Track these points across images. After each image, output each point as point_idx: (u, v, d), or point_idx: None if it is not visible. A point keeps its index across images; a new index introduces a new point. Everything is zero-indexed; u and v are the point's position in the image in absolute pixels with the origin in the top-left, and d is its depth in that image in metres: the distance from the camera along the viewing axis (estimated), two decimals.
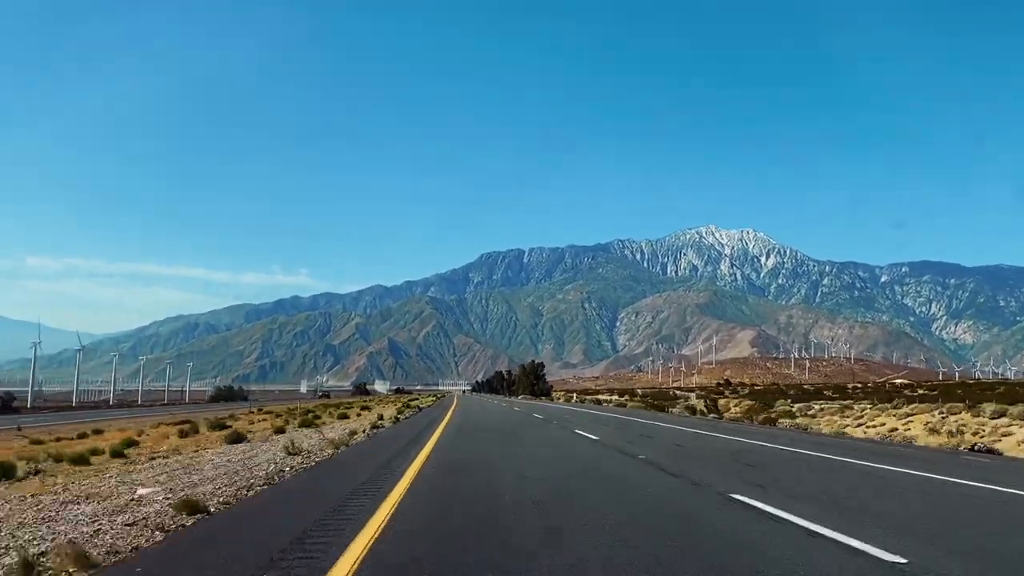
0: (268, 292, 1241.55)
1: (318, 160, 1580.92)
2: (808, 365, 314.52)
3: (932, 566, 5.47)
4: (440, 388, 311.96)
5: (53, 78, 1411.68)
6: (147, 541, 6.47)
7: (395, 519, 7.24)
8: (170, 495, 8.91)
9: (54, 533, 6.76)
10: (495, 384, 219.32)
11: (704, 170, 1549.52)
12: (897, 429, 25.71)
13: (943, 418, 27.62)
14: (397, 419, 31.06)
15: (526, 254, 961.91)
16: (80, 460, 14.18)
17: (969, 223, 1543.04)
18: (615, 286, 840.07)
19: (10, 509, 8.30)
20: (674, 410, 41.49)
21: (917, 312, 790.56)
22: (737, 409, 39.03)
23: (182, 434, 21.66)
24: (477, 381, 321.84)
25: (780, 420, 30.74)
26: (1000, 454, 16.88)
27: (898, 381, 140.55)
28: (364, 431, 21.78)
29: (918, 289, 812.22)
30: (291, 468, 11.88)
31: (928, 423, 26.21)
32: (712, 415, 36.15)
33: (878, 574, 5.30)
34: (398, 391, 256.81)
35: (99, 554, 5.90)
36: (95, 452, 15.76)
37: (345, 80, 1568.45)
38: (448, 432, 21.95)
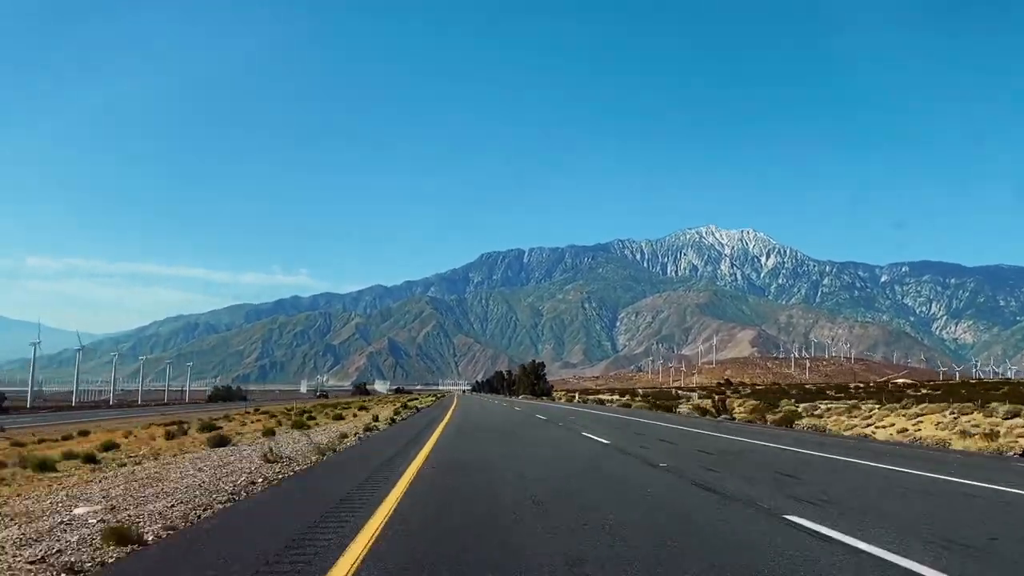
0: (268, 292, 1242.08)
1: (318, 160, 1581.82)
2: (808, 365, 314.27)
3: None
4: (440, 388, 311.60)
5: (53, 78, 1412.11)
6: None
7: (372, 558, 5.70)
8: (109, 515, 7.55)
9: None
10: (495, 384, 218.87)
11: (704, 170, 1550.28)
12: (908, 430, 24.83)
13: (954, 418, 27.16)
14: (393, 421, 29.66)
15: (526, 254, 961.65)
16: (45, 466, 13.11)
17: (969, 223, 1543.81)
18: (615, 286, 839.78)
19: None
20: (681, 410, 40.30)
21: (917, 312, 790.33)
22: (741, 409, 38.55)
23: (169, 436, 20.71)
24: (477, 381, 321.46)
25: (796, 421, 29.53)
26: None
27: (900, 381, 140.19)
28: (356, 434, 20.48)
29: (918, 289, 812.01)
30: (264, 480, 10.47)
31: (940, 423, 25.84)
32: (723, 416, 35.25)
33: None
34: (398, 391, 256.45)
35: None
36: (70, 456, 15.01)
37: (345, 80, 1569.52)
38: (446, 436, 20.25)
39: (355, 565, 5.45)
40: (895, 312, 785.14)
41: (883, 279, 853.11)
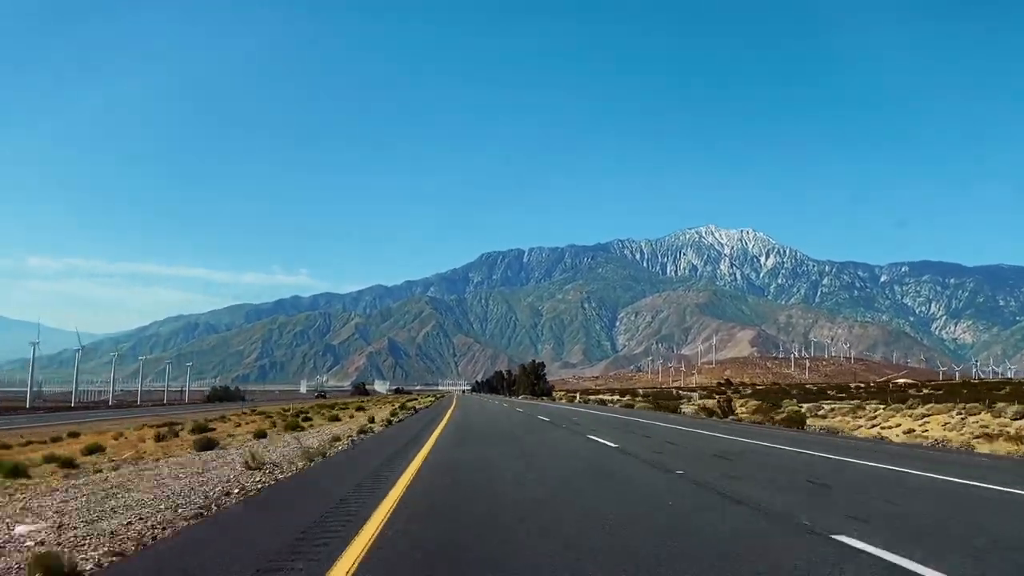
0: (268, 292, 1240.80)
1: (318, 160, 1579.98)
2: (808, 365, 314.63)
3: None
4: (440, 388, 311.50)
5: (53, 78, 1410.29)
6: None
7: None
8: (52, 536, 6.62)
9: None
10: (495, 384, 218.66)
11: (704, 170, 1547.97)
12: (915, 430, 24.92)
13: (962, 419, 27.03)
14: (389, 422, 28.43)
15: (526, 254, 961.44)
16: (17, 472, 12.30)
17: (969, 223, 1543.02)
18: (615, 286, 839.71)
19: None
20: (686, 411, 39.49)
21: (917, 312, 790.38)
22: (743, 409, 38.34)
23: (158, 438, 20.00)
24: (477, 381, 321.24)
25: (806, 423, 28.58)
26: None
27: (901, 381, 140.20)
28: (349, 437, 19.34)
29: (918, 289, 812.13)
30: (240, 490, 9.44)
31: (947, 424, 25.88)
32: (731, 417, 34.66)
33: None
34: (398, 391, 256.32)
35: None
36: (51, 459, 14.21)
37: (345, 80, 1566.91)
38: (442, 441, 18.73)
39: None
40: (895, 312, 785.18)
41: (883, 279, 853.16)
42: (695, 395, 75.39)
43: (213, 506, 8.34)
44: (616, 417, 34.79)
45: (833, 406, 39.25)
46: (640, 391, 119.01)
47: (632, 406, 55.32)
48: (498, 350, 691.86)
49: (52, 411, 71.32)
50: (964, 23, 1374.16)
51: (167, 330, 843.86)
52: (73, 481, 11.40)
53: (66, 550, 5.92)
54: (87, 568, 5.53)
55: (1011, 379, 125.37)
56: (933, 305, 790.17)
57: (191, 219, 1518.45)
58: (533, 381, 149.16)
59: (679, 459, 13.94)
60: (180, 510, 7.98)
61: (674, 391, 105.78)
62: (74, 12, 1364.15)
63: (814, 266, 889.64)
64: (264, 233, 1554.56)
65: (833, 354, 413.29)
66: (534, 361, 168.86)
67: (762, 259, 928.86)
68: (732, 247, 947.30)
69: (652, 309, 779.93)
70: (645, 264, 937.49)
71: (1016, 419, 25.03)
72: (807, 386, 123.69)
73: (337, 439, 18.37)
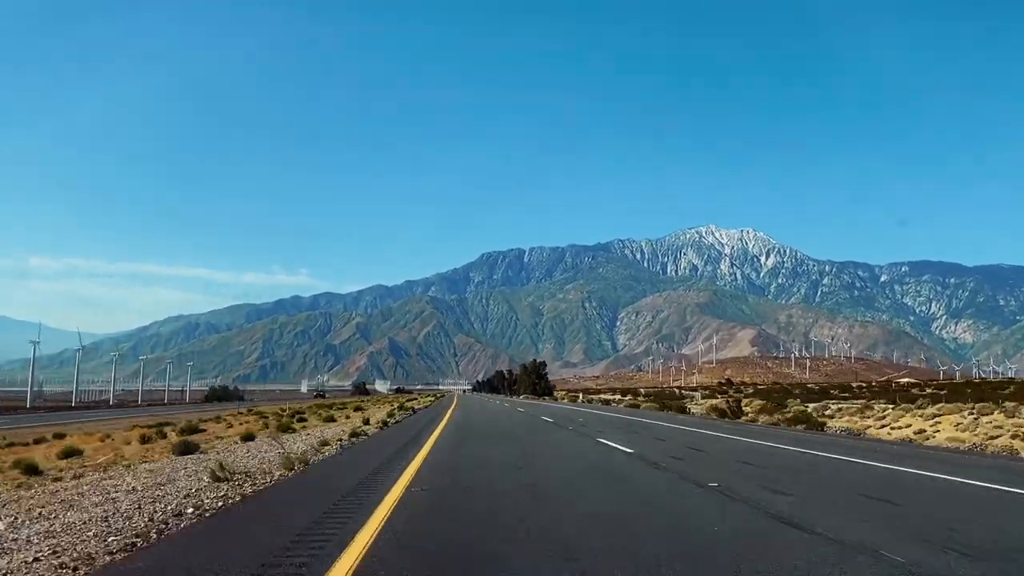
0: (269, 292, 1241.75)
1: (318, 160, 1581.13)
2: (808, 364, 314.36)
3: None
4: (440, 388, 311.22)
5: (53, 78, 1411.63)
6: None
7: None
8: None
9: None
10: (496, 384, 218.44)
11: (704, 170, 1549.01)
12: (925, 431, 23.32)
13: (974, 419, 25.26)
14: (385, 423, 26.96)
15: (526, 254, 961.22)
16: None
17: (969, 222, 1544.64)
18: (615, 286, 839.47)
19: None
20: (694, 411, 38.74)
21: (917, 311, 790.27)
22: (747, 409, 38.17)
23: (143, 440, 19.13)
24: (478, 381, 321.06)
25: (825, 425, 27.04)
26: None
27: (903, 380, 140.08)
28: (339, 441, 17.95)
29: (918, 288, 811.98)
30: (195, 510, 8.02)
31: (959, 424, 24.31)
32: (744, 418, 34.01)
33: None
34: (398, 391, 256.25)
35: None
36: (18, 464, 13.07)
37: (345, 80, 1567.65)
38: (440, 445, 17.24)
39: None
40: (895, 312, 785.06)
41: (883, 279, 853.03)
42: (697, 395, 75.15)
43: (153, 533, 6.79)
44: (622, 418, 33.82)
45: (840, 406, 38.82)
46: (641, 391, 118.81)
47: (637, 406, 54.25)
48: (499, 350, 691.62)
49: (52, 411, 71.37)
50: (964, 23, 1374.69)
51: (168, 330, 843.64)
52: (22, 492, 10.25)
53: None
54: None
55: (1013, 379, 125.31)
56: (933, 305, 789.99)
57: (191, 219, 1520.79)
58: (534, 381, 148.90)
59: (706, 467, 12.33)
60: (111, 539, 6.44)
61: (676, 391, 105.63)
62: (74, 12, 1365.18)
63: (814, 266, 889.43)
64: (264, 233, 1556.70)
65: (833, 354, 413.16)
66: (535, 360, 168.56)
67: (762, 259, 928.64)
68: (732, 247, 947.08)
69: (652, 309, 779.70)
70: (645, 264, 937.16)
71: None
72: (808, 386, 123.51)
73: (325, 443, 16.90)
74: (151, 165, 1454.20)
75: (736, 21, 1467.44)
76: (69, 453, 15.77)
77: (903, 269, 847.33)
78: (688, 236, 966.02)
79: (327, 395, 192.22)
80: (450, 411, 42.96)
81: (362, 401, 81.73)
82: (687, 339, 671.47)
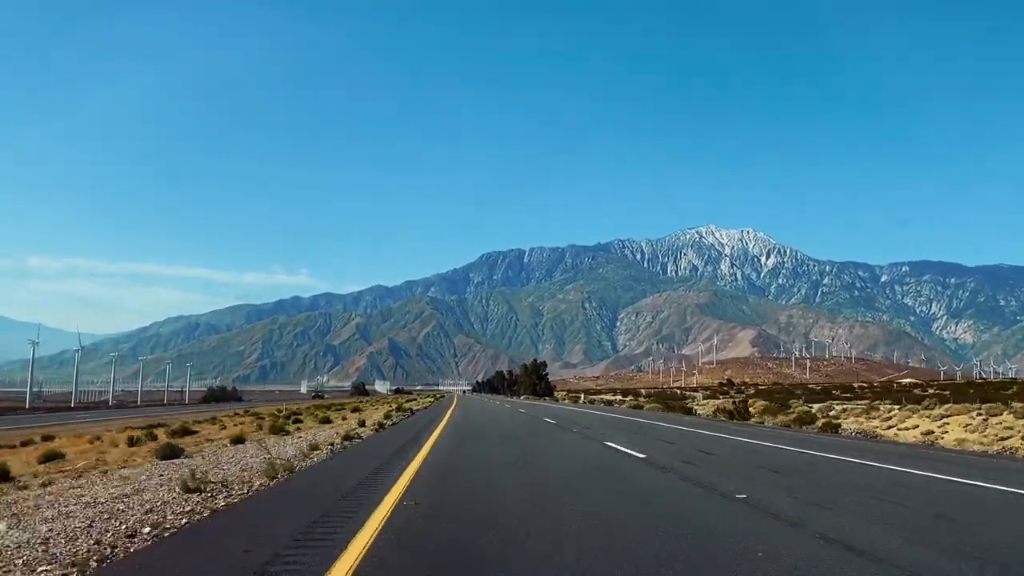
0: (269, 292, 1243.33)
1: (318, 160, 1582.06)
2: (809, 365, 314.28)
3: None
4: (440, 388, 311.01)
5: (53, 78, 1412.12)
6: None
7: None
8: None
9: None
10: (496, 384, 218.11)
11: (704, 170, 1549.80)
12: (933, 432, 22.83)
13: (984, 420, 24.04)
14: (381, 426, 25.96)
15: (526, 254, 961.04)
16: None
17: (969, 222, 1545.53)
18: (615, 286, 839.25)
19: None
20: (700, 412, 38.60)
21: (917, 312, 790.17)
22: (751, 410, 37.91)
23: (131, 442, 18.57)
24: (478, 381, 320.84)
25: (840, 427, 26.01)
26: None
27: (905, 381, 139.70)
28: (331, 445, 16.95)
29: (918, 289, 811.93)
30: (152, 528, 7.04)
31: (968, 425, 23.28)
32: (755, 419, 33.16)
33: None
34: (398, 391, 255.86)
35: None
36: None
37: (345, 80, 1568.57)
38: (438, 448, 16.24)
39: None
40: (895, 312, 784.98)
41: (883, 279, 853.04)
42: (698, 395, 74.80)
43: (93, 561, 5.80)
44: (627, 419, 33.11)
45: (844, 406, 38.52)
46: (642, 391, 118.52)
47: (640, 407, 53.14)
48: (499, 350, 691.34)
49: (51, 411, 71.33)
50: (964, 23, 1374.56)
51: (167, 330, 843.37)
52: None
53: None
54: None
55: (1016, 379, 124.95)
56: (934, 305, 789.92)
57: (191, 219, 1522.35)
58: (535, 381, 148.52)
59: (728, 476, 11.10)
60: (40, 570, 5.57)
61: (677, 391, 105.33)
62: (74, 12, 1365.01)
63: (814, 266, 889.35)
64: (264, 233, 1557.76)
65: (834, 354, 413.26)
66: (535, 361, 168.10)
67: (762, 259, 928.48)
68: (732, 247, 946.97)
69: (653, 309, 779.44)
70: (646, 264, 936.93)
71: None
72: (809, 386, 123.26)
73: (316, 448, 16.00)
74: (151, 165, 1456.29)
75: (736, 21, 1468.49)
76: (50, 457, 15.25)
77: (903, 269, 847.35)
78: (688, 236, 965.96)
79: (326, 396, 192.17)
80: (449, 412, 42.28)
81: (360, 402, 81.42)
82: (687, 339, 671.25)
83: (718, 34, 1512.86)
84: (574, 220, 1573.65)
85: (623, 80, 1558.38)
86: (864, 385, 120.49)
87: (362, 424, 25.66)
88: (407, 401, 76.23)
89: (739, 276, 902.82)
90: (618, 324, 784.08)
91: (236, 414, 43.24)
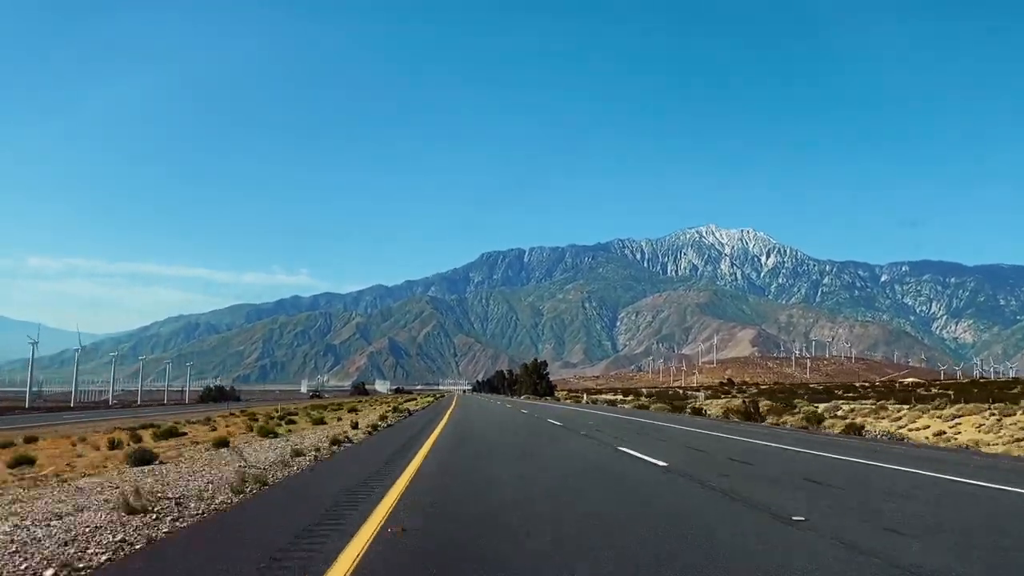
0: (269, 292, 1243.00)
1: (318, 160, 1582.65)
2: (809, 364, 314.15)
3: None
4: (440, 388, 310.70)
5: (53, 78, 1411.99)
6: None
7: None
8: None
9: None
10: (496, 384, 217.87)
11: (704, 170, 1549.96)
12: (945, 432, 23.76)
13: (997, 420, 25.02)
14: (375, 428, 24.69)
15: (526, 254, 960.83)
16: None
17: (969, 222, 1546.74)
18: (615, 286, 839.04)
19: None
20: (711, 413, 37.78)
21: (917, 311, 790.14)
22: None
23: (112, 445, 17.87)
24: (478, 381, 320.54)
25: (864, 429, 25.06)
26: None
27: (907, 380, 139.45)
28: (316, 450, 15.47)
29: (918, 288, 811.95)
30: (65, 566, 5.61)
31: (981, 425, 24.43)
32: (769, 420, 32.12)
33: None
34: (398, 391, 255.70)
35: None
36: None
37: (345, 80, 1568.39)
38: (435, 455, 14.65)
39: None
40: (895, 311, 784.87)
41: (883, 278, 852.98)
42: (700, 395, 74.61)
43: None
44: (635, 420, 31.90)
45: (851, 406, 38.19)
46: (643, 391, 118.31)
47: (646, 407, 51.73)
48: (499, 350, 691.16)
49: (50, 411, 71.18)
50: (964, 23, 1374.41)
51: (168, 330, 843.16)
52: None
53: None
54: None
55: (1018, 378, 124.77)
56: (934, 304, 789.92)
57: (191, 219, 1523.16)
58: (535, 381, 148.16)
59: (773, 490, 9.46)
60: None
61: (683, 391, 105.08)
62: (74, 12, 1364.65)
63: (815, 266, 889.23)
64: (264, 233, 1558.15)
65: (834, 354, 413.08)
66: (536, 360, 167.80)
67: (763, 259, 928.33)
68: (732, 247, 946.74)
69: (653, 309, 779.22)
70: (646, 264, 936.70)
71: None
72: (811, 385, 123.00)
73: (300, 453, 14.47)
74: (151, 165, 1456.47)
75: (736, 21, 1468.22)
76: (21, 461, 14.41)
77: (903, 269, 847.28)
78: (688, 236, 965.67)
79: (326, 395, 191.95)
80: (448, 413, 41.39)
81: (359, 402, 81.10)
82: (687, 339, 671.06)
83: (718, 34, 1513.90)
84: (574, 220, 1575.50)
85: (623, 80, 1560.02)
86: (866, 385, 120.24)
87: (355, 426, 24.58)
88: (406, 401, 75.70)
89: (739, 276, 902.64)
90: (618, 324, 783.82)
91: (231, 414, 42.76)
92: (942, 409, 30.56)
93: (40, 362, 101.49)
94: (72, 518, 7.56)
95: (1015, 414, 25.31)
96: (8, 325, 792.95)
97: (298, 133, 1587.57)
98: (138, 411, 68.66)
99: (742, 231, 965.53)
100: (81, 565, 5.66)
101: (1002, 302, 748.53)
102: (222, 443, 17.05)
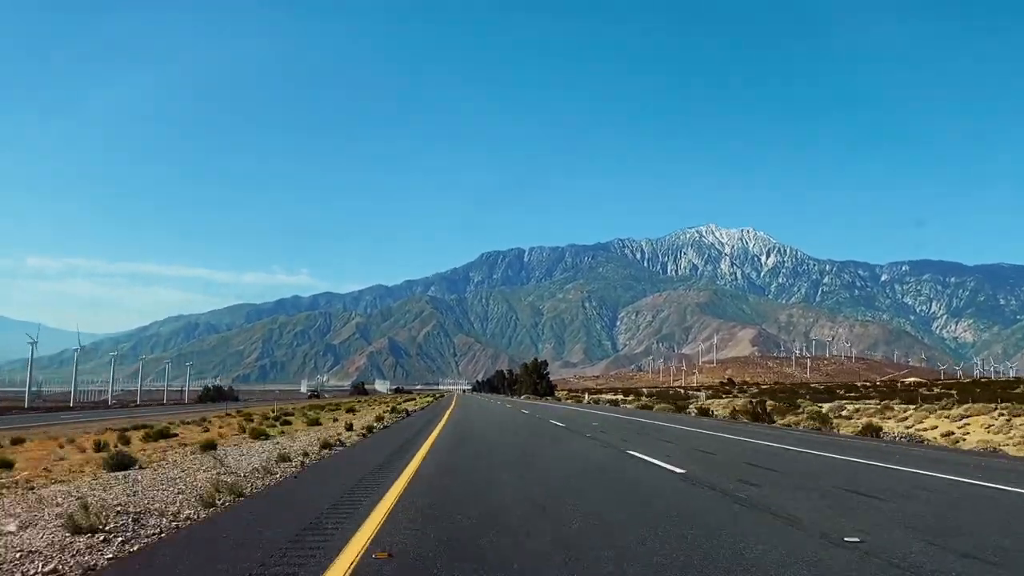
0: (269, 292, 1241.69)
1: (318, 160, 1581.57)
2: (809, 364, 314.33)
3: None
4: (440, 388, 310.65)
5: (54, 78, 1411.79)
6: None
7: None
8: None
9: None
10: (496, 383, 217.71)
11: (704, 170, 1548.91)
12: (954, 433, 23.33)
13: (1007, 421, 24.53)
14: (370, 429, 23.62)
15: (526, 253, 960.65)
16: None
17: (969, 222, 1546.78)
18: (615, 285, 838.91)
19: None
20: (717, 413, 37.28)
21: (917, 311, 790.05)
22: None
23: (98, 447, 17.34)
24: (478, 381, 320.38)
25: (881, 430, 24.29)
26: None
27: (909, 380, 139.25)
28: (304, 455, 14.33)
29: (918, 288, 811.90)
30: None
31: (990, 426, 24.00)
32: (780, 421, 30.32)
33: None
34: (398, 391, 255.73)
35: None
36: None
37: (344, 80, 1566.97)
38: (433, 457, 13.99)
39: None
40: (895, 311, 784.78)
41: (883, 278, 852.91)
42: (702, 394, 74.40)
43: None
44: (641, 422, 31.15)
45: (856, 406, 37.87)
46: (643, 391, 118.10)
47: (650, 407, 51.25)
48: (499, 350, 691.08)
49: (49, 411, 71.04)
50: (964, 23, 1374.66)
51: (167, 330, 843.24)
52: None
53: None
54: None
55: (1020, 378, 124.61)
56: (934, 304, 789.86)
57: (191, 219, 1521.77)
58: (536, 380, 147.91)
59: (811, 504, 8.31)
60: None
61: (681, 391, 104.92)
62: (72, 12, 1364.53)
63: (815, 265, 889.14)
64: (264, 233, 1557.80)
65: (834, 353, 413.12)
66: (536, 360, 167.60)
67: (763, 258, 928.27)
68: (732, 246, 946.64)
69: (653, 308, 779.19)
70: (646, 263, 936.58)
71: None
72: (812, 385, 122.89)
73: (285, 458, 13.34)
74: (151, 165, 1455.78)
75: (736, 21, 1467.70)
76: None
77: (903, 268, 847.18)
78: (688, 236, 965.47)
79: (326, 395, 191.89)
80: (448, 413, 40.74)
81: (358, 402, 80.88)
82: (687, 339, 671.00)
83: (718, 34, 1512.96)
84: (574, 220, 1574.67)
85: (623, 80, 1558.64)
86: (867, 384, 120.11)
87: (349, 428, 23.63)
88: (405, 401, 75.34)
89: (739, 275, 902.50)
90: (618, 323, 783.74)
91: (227, 414, 42.43)
92: (949, 409, 30.19)
93: (40, 362, 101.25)
94: (12, 538, 6.50)
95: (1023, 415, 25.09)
96: (8, 325, 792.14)
97: (298, 133, 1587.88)
98: (136, 411, 68.47)
99: (742, 231, 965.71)
100: None
101: (1002, 302, 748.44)
102: (210, 446, 16.53)
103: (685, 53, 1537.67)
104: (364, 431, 22.98)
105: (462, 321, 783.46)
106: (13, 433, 24.67)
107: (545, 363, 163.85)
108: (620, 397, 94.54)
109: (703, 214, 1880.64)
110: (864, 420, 27.50)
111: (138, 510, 7.73)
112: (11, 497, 9.26)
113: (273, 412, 41.29)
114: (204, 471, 11.56)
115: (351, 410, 45.23)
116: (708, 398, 62.85)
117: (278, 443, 18.23)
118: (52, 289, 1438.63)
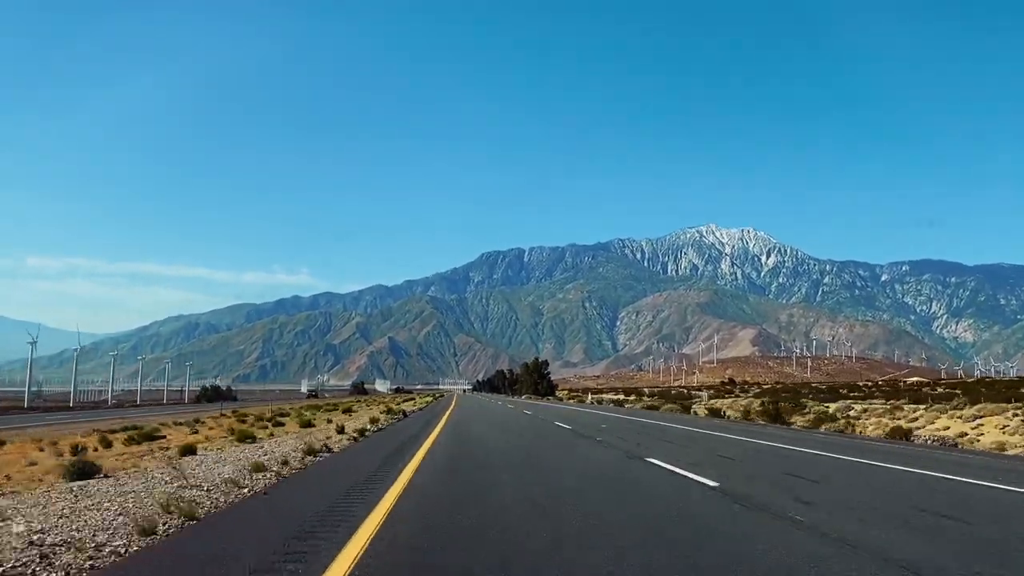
0: (269, 292, 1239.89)
1: (319, 159, 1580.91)
2: (810, 364, 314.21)
3: None
4: (440, 387, 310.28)
5: (54, 78, 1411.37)
6: None
7: None
8: None
9: None
10: (496, 383, 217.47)
11: (704, 170, 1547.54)
12: (967, 433, 22.46)
13: (1022, 421, 23.20)
14: (363, 432, 22.57)
15: (526, 253, 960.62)
16: None
17: (970, 222, 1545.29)
18: (615, 285, 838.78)
19: None
20: (729, 414, 36.65)
21: (918, 311, 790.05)
22: (760, 409, 37.07)
23: (75, 451, 16.81)
24: (478, 380, 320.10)
25: (911, 433, 23.29)
26: None
27: (911, 380, 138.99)
28: (284, 464, 12.79)
29: (919, 288, 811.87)
30: None
31: (1005, 427, 22.86)
32: (800, 423, 30.40)
33: None
34: (398, 390, 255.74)
35: None
36: None
37: (344, 80, 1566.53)
38: (429, 464, 12.84)
39: None
40: (896, 311, 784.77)
41: (883, 278, 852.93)
42: (703, 395, 74.12)
43: None
44: (650, 423, 30.19)
45: (864, 407, 37.53)
46: (645, 391, 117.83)
47: (656, 408, 50.18)
48: (499, 349, 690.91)
49: (48, 411, 70.74)
50: (965, 23, 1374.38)
51: (167, 330, 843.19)
52: None
53: None
54: None
55: (1022, 377, 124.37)
56: (934, 304, 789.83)
57: (191, 219, 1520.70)
58: (536, 380, 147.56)
59: (884, 530, 6.64)
60: None
61: (684, 391, 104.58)
62: (72, 13, 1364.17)
63: (815, 265, 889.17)
64: (264, 233, 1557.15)
65: (835, 353, 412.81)
66: (537, 359, 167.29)
67: (763, 258, 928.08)
68: (733, 246, 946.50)
69: (653, 308, 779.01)
70: (646, 263, 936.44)
71: None
72: (813, 385, 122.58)
73: (261, 468, 11.86)
74: (151, 165, 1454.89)
75: (736, 21, 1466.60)
76: None
77: (904, 268, 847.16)
78: (688, 235, 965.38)
79: (326, 395, 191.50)
80: (447, 414, 39.93)
81: (356, 402, 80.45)
82: (688, 339, 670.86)
83: (718, 34, 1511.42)
84: (574, 220, 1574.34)
85: (623, 80, 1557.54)
86: (869, 384, 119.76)
87: (341, 430, 22.49)
88: (404, 401, 74.84)
89: (739, 275, 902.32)
90: (618, 323, 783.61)
91: (222, 415, 42.06)
92: (960, 410, 29.83)
93: (40, 362, 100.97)
94: None
95: None
96: (8, 325, 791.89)
97: (298, 133, 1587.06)
98: (134, 411, 68.23)
99: (742, 231, 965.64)
100: None
101: (1002, 301, 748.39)
102: (189, 451, 15.63)
103: (685, 53, 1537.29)
104: (356, 434, 21.99)
105: (462, 321, 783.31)
106: (1, 434, 24.33)
107: (546, 363, 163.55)
108: (621, 396, 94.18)
109: (703, 214, 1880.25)
110: (883, 421, 27.11)
111: (56, 541, 6.22)
112: None
113: (269, 413, 40.89)
114: (167, 483, 10.21)
115: (348, 410, 44.66)
116: (710, 398, 62.46)
117: (263, 447, 17.17)
118: (52, 289, 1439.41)
